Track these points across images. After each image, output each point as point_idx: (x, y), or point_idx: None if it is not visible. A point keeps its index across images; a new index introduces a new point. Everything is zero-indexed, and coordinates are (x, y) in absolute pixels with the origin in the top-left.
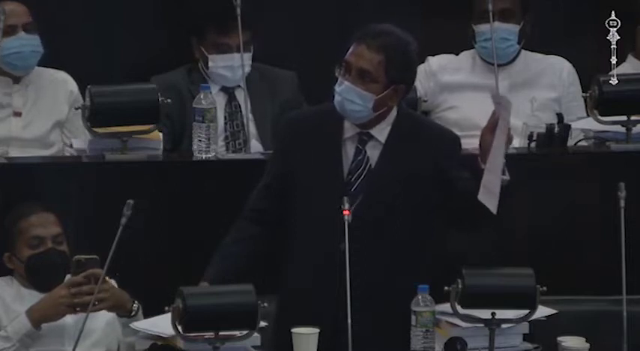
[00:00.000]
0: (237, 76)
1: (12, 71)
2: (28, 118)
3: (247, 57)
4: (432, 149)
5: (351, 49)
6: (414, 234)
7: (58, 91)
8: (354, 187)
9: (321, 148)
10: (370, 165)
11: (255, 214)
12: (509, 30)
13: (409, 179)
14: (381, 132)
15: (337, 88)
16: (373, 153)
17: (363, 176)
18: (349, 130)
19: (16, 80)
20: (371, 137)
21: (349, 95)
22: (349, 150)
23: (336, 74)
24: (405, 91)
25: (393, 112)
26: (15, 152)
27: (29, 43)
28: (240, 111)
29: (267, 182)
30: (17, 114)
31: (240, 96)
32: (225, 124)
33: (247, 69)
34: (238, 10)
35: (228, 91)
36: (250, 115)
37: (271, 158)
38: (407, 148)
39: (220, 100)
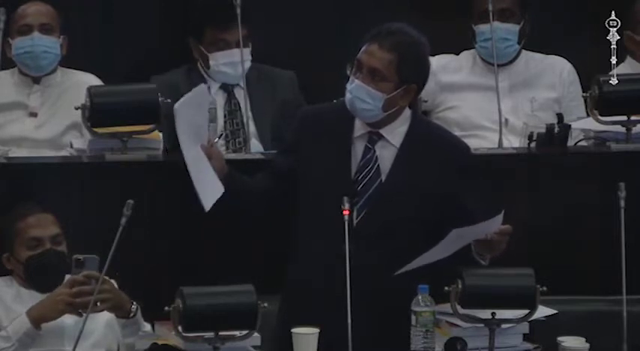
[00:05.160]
0: (239, 72)
1: (26, 71)
2: (43, 118)
3: (246, 52)
4: (443, 160)
5: (363, 48)
6: (418, 238)
7: (81, 93)
8: (361, 186)
9: (330, 145)
10: (378, 165)
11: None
12: (509, 30)
13: (420, 189)
14: (392, 133)
15: (348, 86)
16: (382, 153)
17: (370, 176)
18: (360, 128)
19: (36, 81)
20: (381, 137)
21: (359, 94)
22: (358, 148)
23: (348, 72)
24: (416, 92)
25: (406, 114)
26: (25, 153)
27: (42, 43)
28: (240, 109)
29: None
30: (33, 114)
31: (240, 94)
32: (225, 122)
33: (247, 64)
34: (238, 10)
35: (228, 90)
36: (250, 114)
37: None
38: (420, 157)
39: (219, 99)
